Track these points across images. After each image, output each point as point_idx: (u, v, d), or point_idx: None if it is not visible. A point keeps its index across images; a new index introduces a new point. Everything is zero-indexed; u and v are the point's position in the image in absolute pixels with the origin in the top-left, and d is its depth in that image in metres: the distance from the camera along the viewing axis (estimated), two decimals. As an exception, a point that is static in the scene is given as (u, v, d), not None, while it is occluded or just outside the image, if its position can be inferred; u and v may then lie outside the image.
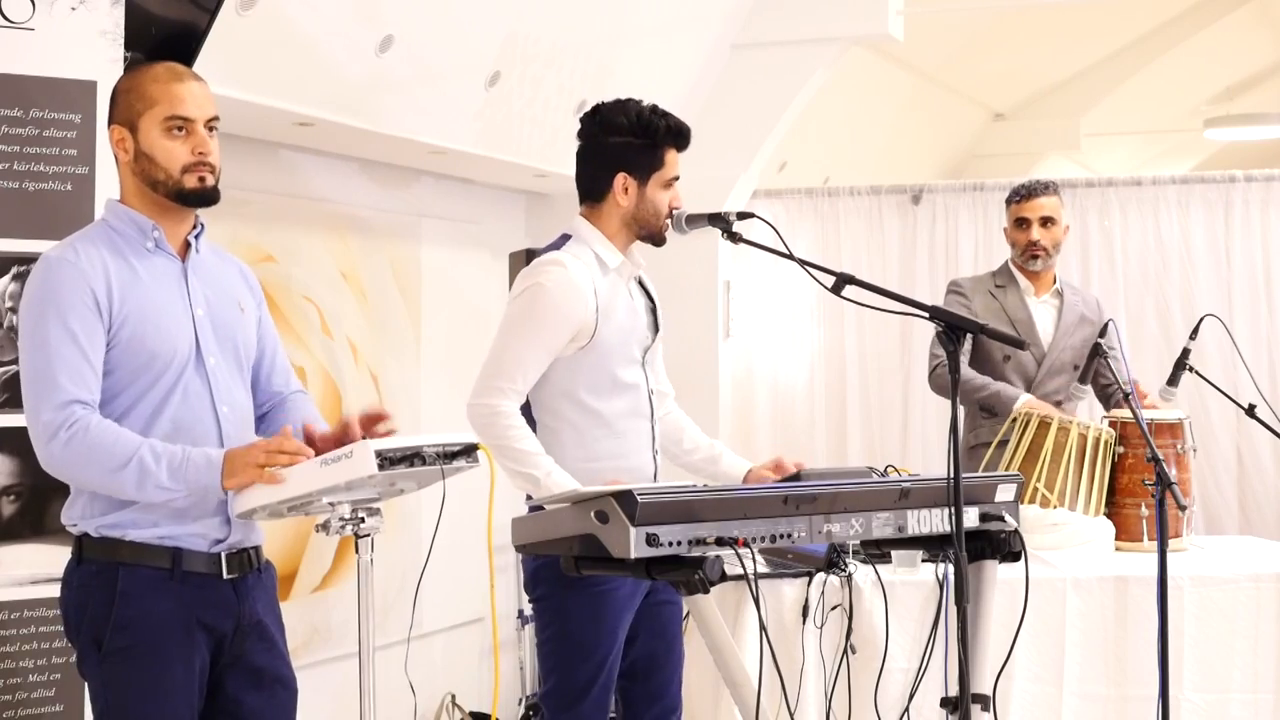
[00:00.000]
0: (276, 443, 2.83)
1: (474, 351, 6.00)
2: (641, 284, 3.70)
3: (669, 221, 3.58)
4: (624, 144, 3.55)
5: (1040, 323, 5.01)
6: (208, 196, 2.93)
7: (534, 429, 3.53)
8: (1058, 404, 4.90)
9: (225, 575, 2.93)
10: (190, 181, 2.90)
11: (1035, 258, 4.99)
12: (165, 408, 2.88)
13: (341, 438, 2.94)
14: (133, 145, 2.91)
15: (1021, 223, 5.01)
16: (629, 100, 3.60)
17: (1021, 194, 5.02)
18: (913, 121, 9.10)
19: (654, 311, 3.69)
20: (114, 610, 2.84)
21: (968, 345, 4.94)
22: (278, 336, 3.19)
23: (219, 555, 2.93)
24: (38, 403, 2.79)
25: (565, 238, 3.61)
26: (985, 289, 5.05)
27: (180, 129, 2.89)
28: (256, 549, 3.02)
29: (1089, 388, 4.84)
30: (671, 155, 3.57)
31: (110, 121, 2.94)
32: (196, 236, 2.99)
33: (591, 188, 3.60)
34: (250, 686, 2.98)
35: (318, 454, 2.86)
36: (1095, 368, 4.51)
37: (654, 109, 3.59)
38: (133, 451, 2.78)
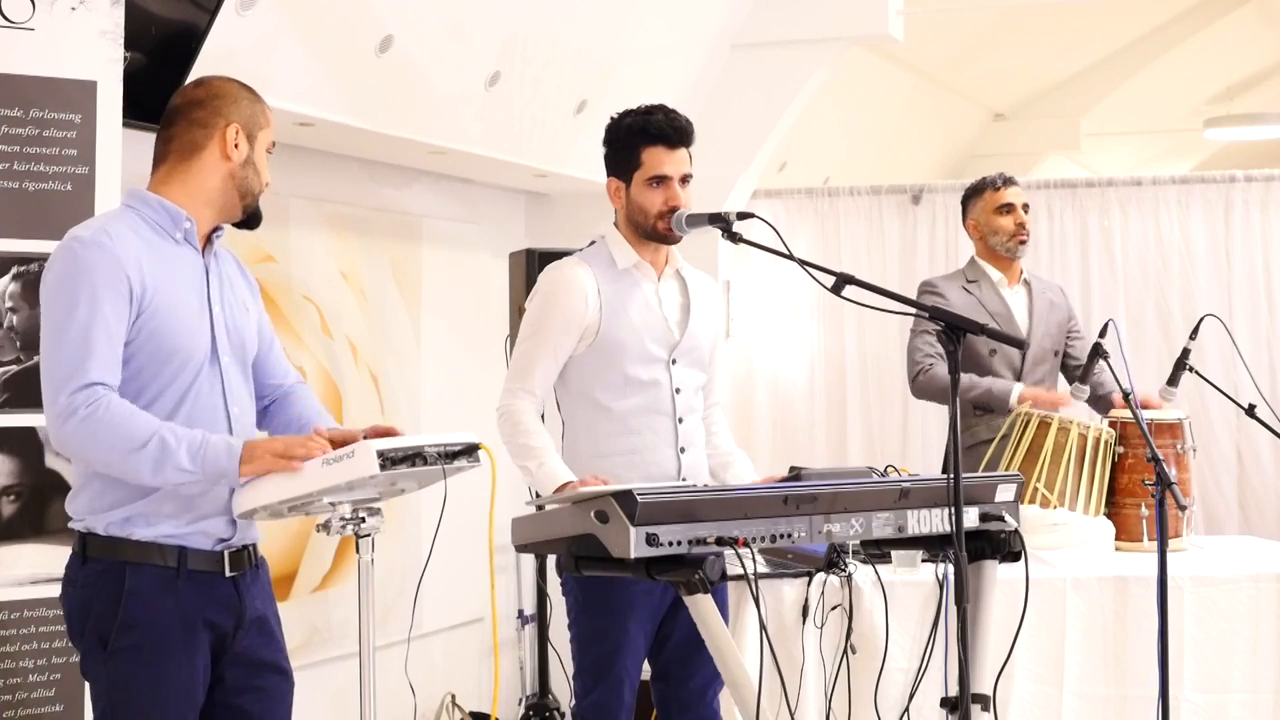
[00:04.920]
0: (301, 439, 2.87)
1: (474, 351, 6.04)
2: (685, 284, 3.72)
3: (668, 220, 3.58)
4: (609, 149, 3.67)
5: (1016, 312, 5.02)
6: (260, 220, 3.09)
7: (563, 427, 3.68)
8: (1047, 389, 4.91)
9: (228, 573, 2.94)
10: (255, 204, 3.04)
11: (1023, 242, 5.01)
12: (182, 405, 2.89)
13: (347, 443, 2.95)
14: (248, 150, 2.97)
15: (1007, 208, 5.00)
16: (637, 105, 3.65)
17: (998, 182, 5.04)
18: (913, 121, 9.10)
19: (688, 311, 3.68)
20: (120, 609, 2.84)
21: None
22: (273, 331, 3.21)
23: (222, 553, 2.94)
24: (62, 381, 2.76)
25: (593, 241, 3.72)
26: (958, 285, 5.04)
27: (269, 155, 3.05)
28: (254, 545, 3.04)
29: (1089, 387, 4.84)
30: (652, 154, 3.58)
31: (227, 120, 2.95)
32: (218, 235, 3.03)
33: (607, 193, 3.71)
34: (250, 678, 3.00)
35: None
36: (1093, 367, 4.50)
37: (638, 110, 3.63)
38: (153, 431, 2.77)
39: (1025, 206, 5.03)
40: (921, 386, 4.91)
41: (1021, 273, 5.07)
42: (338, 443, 2.92)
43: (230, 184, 2.97)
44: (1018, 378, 4.93)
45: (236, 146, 2.95)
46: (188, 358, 2.89)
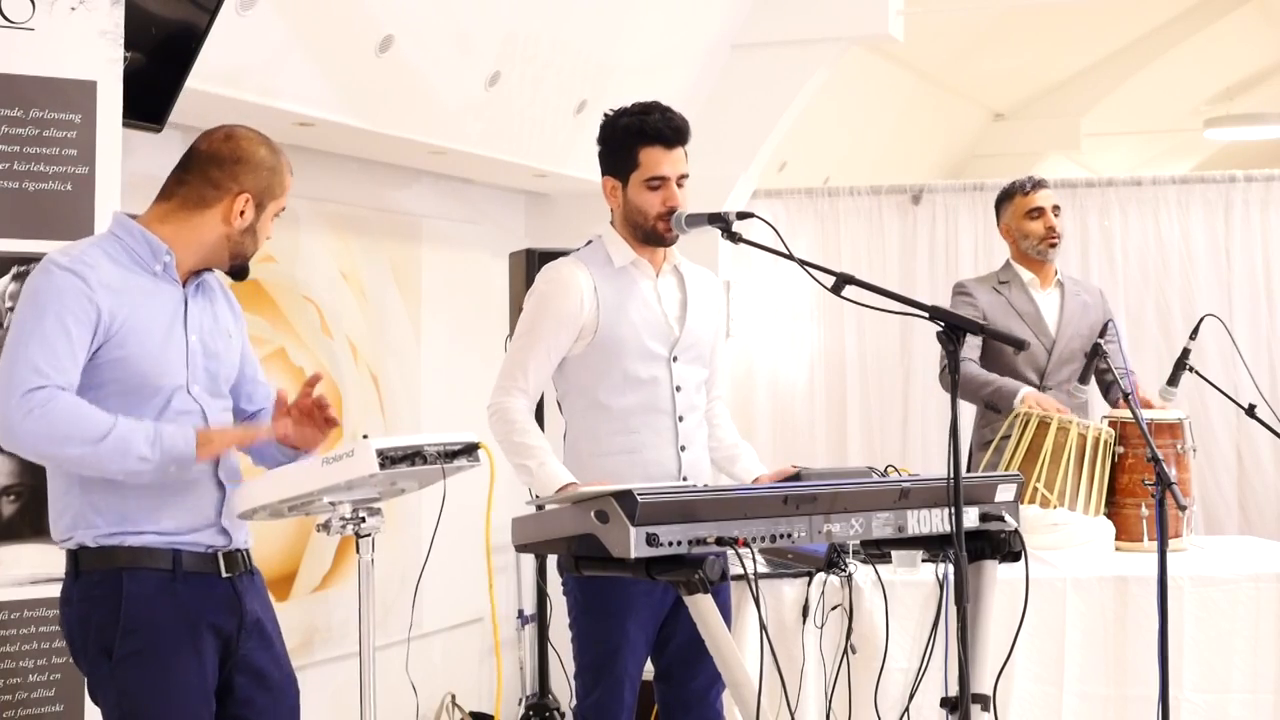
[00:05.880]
0: (255, 425, 3.02)
1: (474, 351, 6.03)
2: (683, 280, 3.71)
3: (667, 221, 3.57)
4: (604, 148, 3.65)
5: (1047, 313, 5.02)
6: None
7: (565, 427, 3.67)
8: (1070, 392, 4.90)
9: (224, 574, 2.95)
10: (245, 263, 3.08)
11: (1054, 245, 5.01)
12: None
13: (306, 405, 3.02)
14: (253, 219, 3.00)
15: (1037, 212, 5.01)
16: (631, 104, 3.63)
17: (1028, 186, 5.06)
18: (913, 121, 9.10)
19: (686, 307, 3.67)
20: (121, 614, 2.85)
21: (978, 341, 4.93)
22: (255, 356, 3.23)
23: (215, 554, 2.96)
24: (18, 383, 2.78)
25: (590, 240, 3.70)
26: (989, 286, 5.06)
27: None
28: (248, 551, 3.05)
29: (1088, 388, 4.84)
30: (649, 154, 3.55)
31: (240, 188, 2.97)
32: (208, 270, 3.05)
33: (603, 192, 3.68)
34: (256, 688, 3.01)
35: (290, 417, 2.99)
36: (1095, 365, 4.51)
37: (633, 109, 3.60)
38: (110, 424, 2.80)
39: (1056, 209, 5.04)
40: (945, 381, 4.96)
41: (1055, 274, 5.08)
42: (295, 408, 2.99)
43: (224, 244, 3.00)
44: (1042, 375, 4.94)
45: (242, 214, 2.98)
46: (157, 385, 2.91)
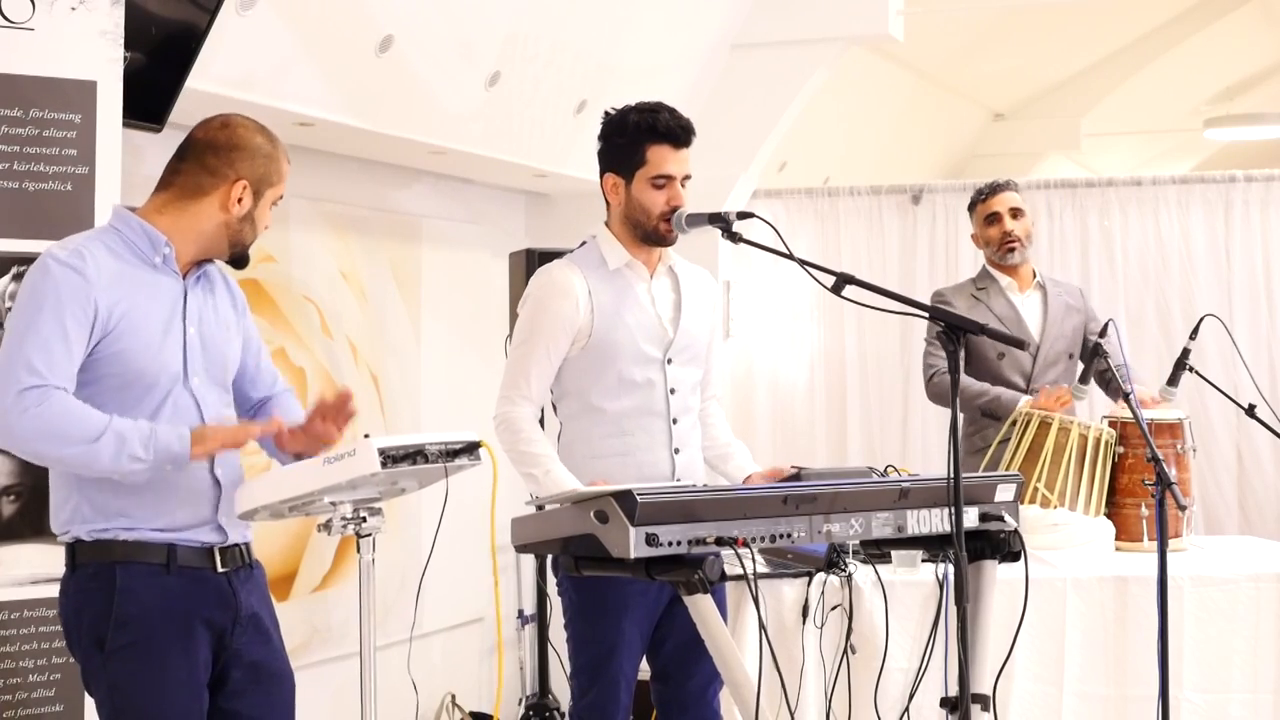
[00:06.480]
0: (248, 425, 2.99)
1: (474, 351, 6.04)
2: (677, 280, 3.70)
3: (668, 221, 3.57)
4: (609, 144, 3.63)
5: (1027, 316, 5.01)
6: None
7: (560, 429, 3.66)
8: None
9: (219, 569, 2.96)
10: (244, 251, 3.07)
11: (1011, 250, 4.99)
12: (155, 423, 2.90)
13: (311, 428, 3.04)
14: (250, 206, 2.99)
15: (993, 218, 5.02)
16: (636, 102, 3.62)
17: (985, 192, 5.06)
18: (913, 121, 9.10)
19: (680, 308, 3.66)
20: (114, 607, 2.86)
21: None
22: (261, 342, 3.23)
23: (212, 549, 2.96)
24: (14, 380, 2.78)
25: (584, 242, 3.68)
26: (967, 293, 5.04)
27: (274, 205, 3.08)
28: (247, 545, 3.06)
29: (1088, 388, 4.83)
30: (657, 152, 3.55)
31: (237, 175, 2.96)
32: (209, 261, 3.05)
33: (601, 190, 3.65)
34: (249, 683, 3.01)
35: (286, 445, 2.99)
36: (1095, 365, 4.50)
37: (642, 107, 3.59)
38: (105, 424, 2.81)
39: (1015, 212, 5.00)
40: (933, 392, 4.94)
41: (1035, 276, 5.07)
42: (299, 433, 3.02)
43: (223, 232, 3.00)
44: (1028, 380, 4.93)
45: (239, 201, 2.97)
46: (155, 379, 2.92)
